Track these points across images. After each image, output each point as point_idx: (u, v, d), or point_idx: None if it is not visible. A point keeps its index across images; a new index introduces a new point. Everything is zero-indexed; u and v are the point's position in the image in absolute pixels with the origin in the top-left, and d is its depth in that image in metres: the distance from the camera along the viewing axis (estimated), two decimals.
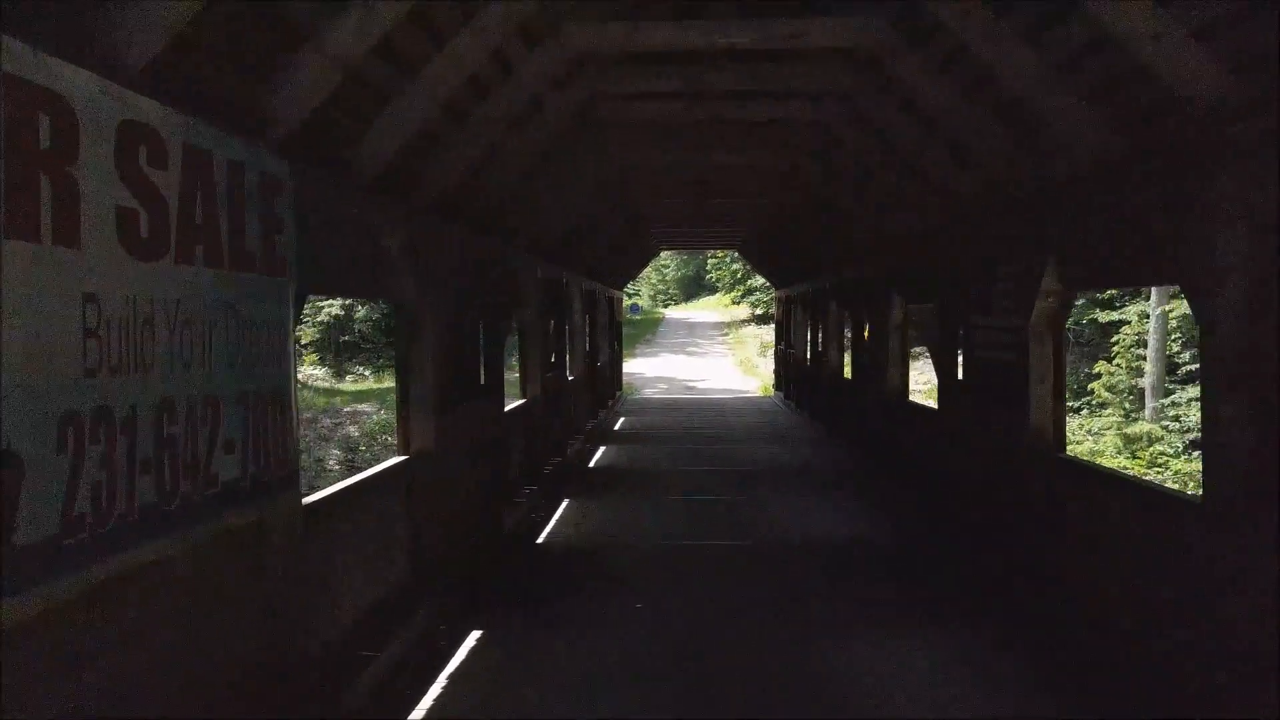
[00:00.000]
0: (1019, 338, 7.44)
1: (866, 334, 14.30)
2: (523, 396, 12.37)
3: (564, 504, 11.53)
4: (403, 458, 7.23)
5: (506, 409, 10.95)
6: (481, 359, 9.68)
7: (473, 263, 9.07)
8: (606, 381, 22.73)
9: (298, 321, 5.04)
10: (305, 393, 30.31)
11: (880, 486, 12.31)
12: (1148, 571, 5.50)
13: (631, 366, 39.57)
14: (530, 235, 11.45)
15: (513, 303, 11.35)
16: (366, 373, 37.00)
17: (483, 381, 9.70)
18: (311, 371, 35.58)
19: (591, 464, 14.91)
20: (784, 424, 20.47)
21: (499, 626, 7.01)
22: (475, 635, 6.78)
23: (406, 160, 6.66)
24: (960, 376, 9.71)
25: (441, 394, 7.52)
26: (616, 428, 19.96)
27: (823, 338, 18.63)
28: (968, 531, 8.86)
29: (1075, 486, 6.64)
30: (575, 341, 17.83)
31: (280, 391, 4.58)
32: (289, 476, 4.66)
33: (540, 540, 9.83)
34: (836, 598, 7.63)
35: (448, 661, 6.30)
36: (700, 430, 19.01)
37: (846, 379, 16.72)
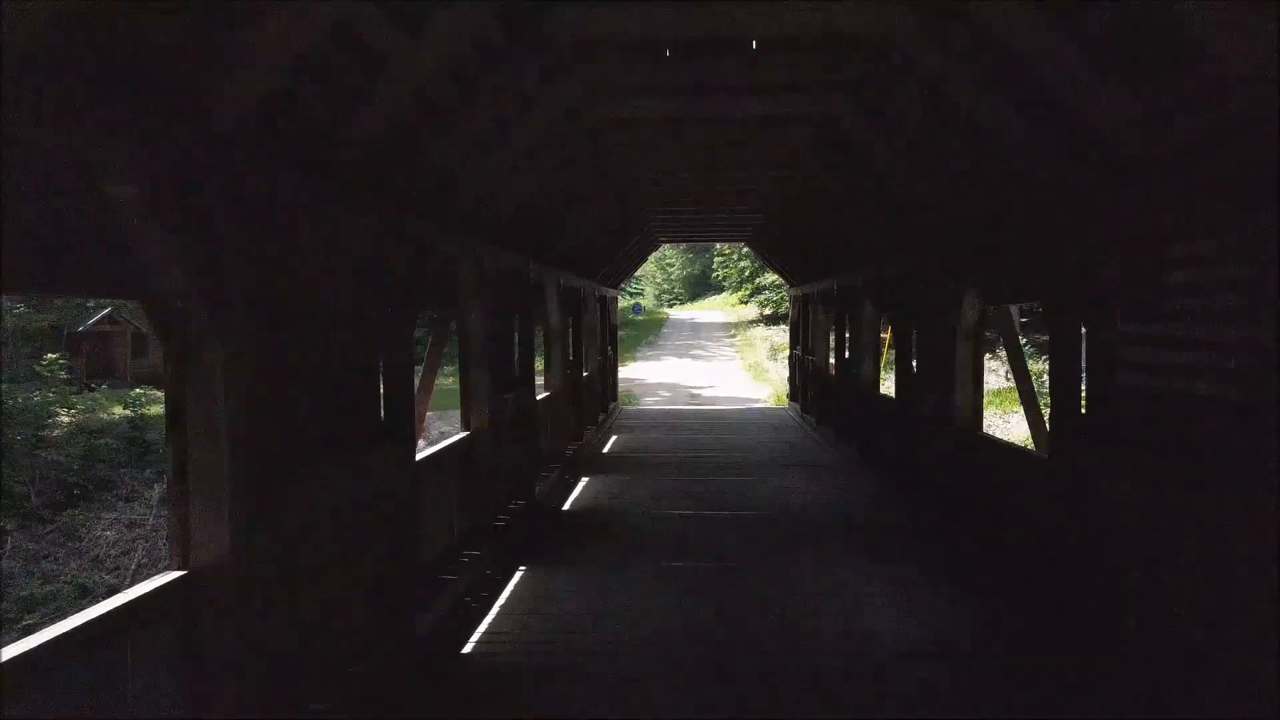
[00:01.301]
0: (1252, 363, 4.30)
1: (915, 340, 11.15)
2: (464, 428, 9.23)
3: (517, 577, 8.41)
4: (177, 574, 4.11)
5: (428, 453, 7.82)
6: (380, 388, 6.57)
7: (351, 240, 5.92)
8: (596, 394, 19.53)
9: None
10: None
11: (951, 553, 9.12)
12: None
13: (633, 371, 36.62)
14: (467, 208, 8.30)
15: (436, 303, 8.24)
16: None
17: (383, 419, 6.58)
18: None
19: (567, 506, 11.76)
20: (804, 445, 17.30)
21: None
22: None
23: (152, 35, 3.54)
24: (1084, 411, 6.58)
25: (255, 461, 4.38)
26: (606, 450, 16.80)
27: (852, 343, 15.44)
28: (1145, 668, 5.67)
29: None
30: (552, 350, 14.69)
31: None
32: None
33: (468, 649, 6.71)
34: None
35: None
36: (705, 455, 15.84)
37: (885, 396, 13.53)
